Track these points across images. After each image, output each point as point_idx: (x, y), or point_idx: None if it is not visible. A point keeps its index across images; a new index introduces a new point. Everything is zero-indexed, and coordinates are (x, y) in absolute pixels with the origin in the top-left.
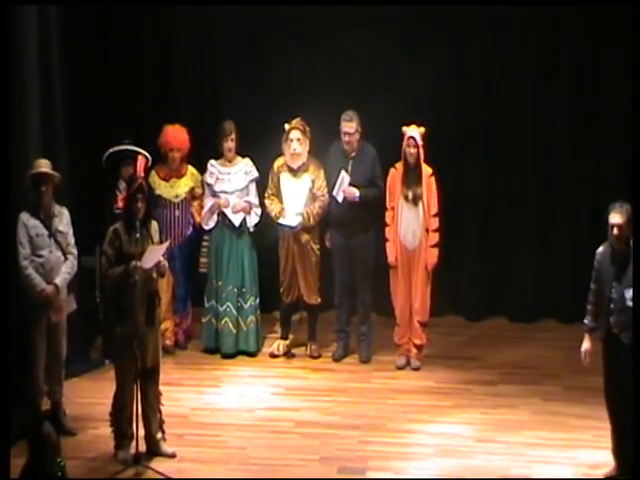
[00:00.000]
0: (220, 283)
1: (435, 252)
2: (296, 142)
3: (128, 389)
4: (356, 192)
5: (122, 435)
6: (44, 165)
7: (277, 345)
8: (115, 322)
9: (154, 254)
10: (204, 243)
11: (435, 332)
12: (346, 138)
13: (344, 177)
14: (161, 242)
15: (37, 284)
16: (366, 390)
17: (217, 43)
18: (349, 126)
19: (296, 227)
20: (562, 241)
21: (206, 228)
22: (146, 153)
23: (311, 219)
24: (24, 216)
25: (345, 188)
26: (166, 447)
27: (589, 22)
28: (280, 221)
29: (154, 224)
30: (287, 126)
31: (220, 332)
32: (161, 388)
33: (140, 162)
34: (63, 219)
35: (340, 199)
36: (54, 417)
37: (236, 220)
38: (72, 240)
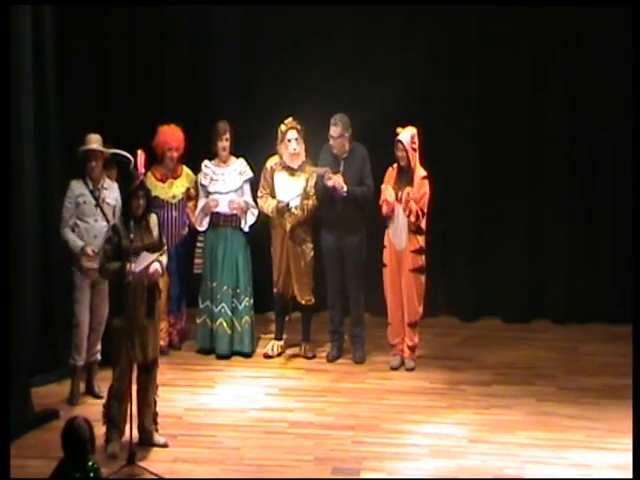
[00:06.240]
0: (215, 284)
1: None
2: (294, 142)
3: (126, 382)
4: (345, 186)
5: (114, 428)
6: (94, 141)
7: (271, 346)
8: (114, 314)
9: (145, 260)
10: (198, 244)
11: (429, 333)
12: (330, 141)
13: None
14: (160, 236)
15: (73, 245)
16: (360, 391)
17: (210, 44)
18: (332, 130)
19: (291, 204)
20: (556, 241)
21: (199, 229)
22: (128, 155)
23: (305, 211)
24: (74, 184)
25: (335, 179)
26: (158, 437)
27: (583, 20)
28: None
29: (153, 217)
30: (283, 127)
31: (215, 333)
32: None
33: (140, 158)
34: (112, 192)
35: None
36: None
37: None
38: (119, 213)
